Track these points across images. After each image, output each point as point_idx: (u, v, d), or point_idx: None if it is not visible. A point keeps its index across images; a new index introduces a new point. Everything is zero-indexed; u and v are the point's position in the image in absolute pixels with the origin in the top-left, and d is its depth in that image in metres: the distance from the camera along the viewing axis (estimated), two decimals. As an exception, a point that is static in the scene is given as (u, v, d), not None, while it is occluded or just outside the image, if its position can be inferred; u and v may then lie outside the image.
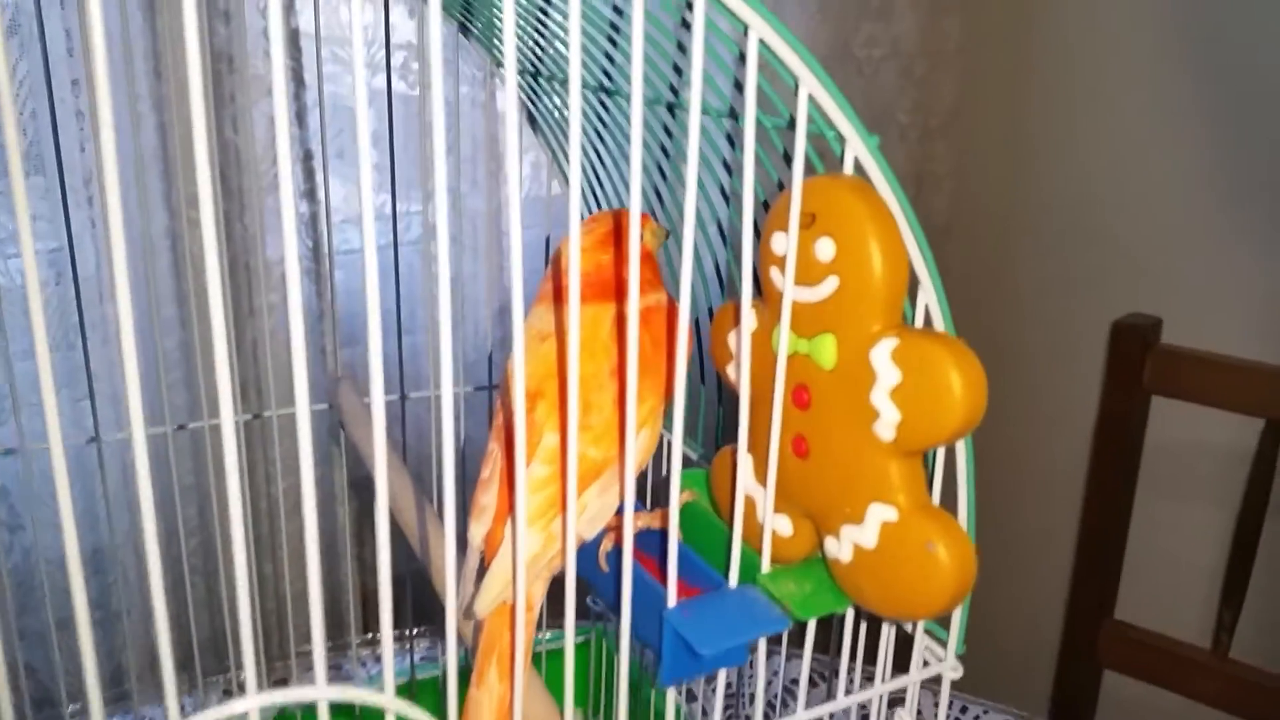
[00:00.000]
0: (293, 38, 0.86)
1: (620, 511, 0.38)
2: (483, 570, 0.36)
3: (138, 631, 0.88)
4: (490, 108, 0.93)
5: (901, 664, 0.40)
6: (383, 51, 0.87)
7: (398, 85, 0.95)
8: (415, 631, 0.70)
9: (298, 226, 0.88)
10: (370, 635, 0.76)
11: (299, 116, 0.88)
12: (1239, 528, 0.92)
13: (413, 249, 0.95)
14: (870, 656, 0.40)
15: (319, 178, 0.88)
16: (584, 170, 0.58)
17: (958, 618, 0.39)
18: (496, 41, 0.60)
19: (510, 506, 0.34)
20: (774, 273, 0.34)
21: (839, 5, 1.16)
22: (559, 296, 0.40)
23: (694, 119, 0.29)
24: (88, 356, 0.60)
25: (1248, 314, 1.07)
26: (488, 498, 0.37)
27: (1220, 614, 0.93)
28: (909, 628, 0.39)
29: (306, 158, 0.88)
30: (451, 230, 0.91)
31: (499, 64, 0.64)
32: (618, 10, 0.39)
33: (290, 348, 0.24)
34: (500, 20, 0.54)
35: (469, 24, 0.59)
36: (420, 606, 0.62)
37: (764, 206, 0.39)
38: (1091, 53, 1.18)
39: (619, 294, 0.39)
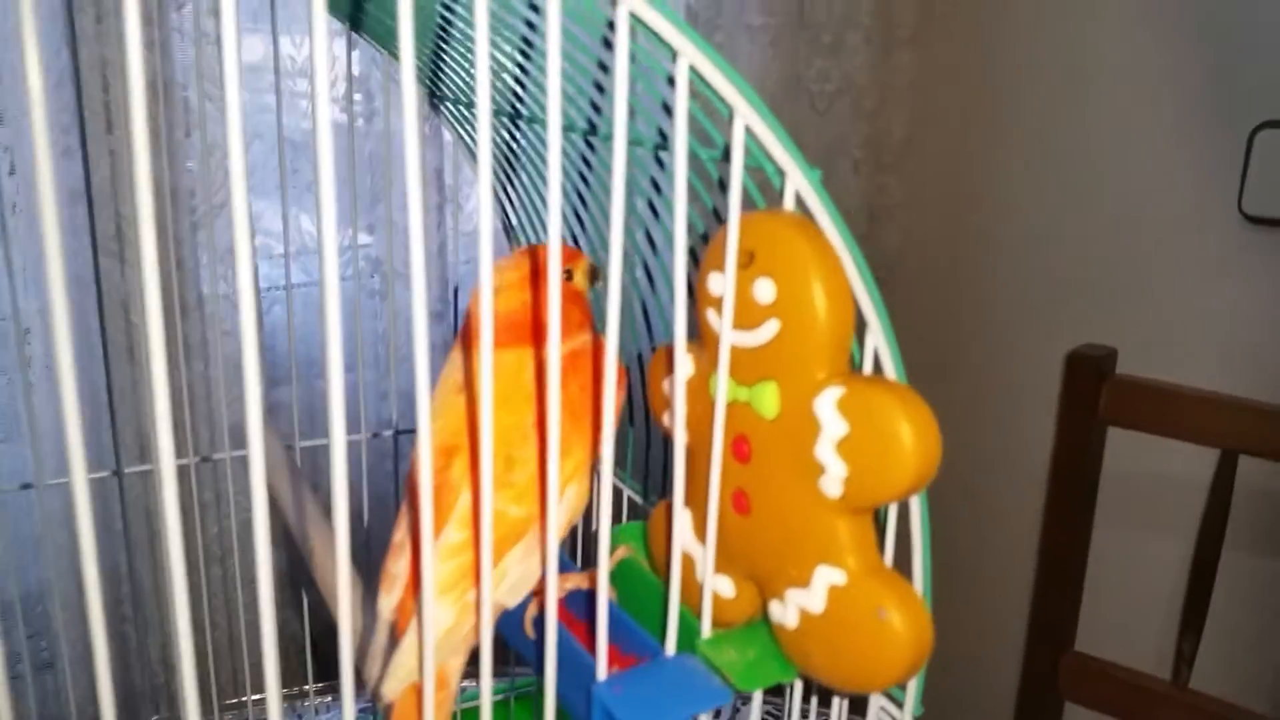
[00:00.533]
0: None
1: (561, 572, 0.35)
2: (393, 644, 0.33)
3: (77, 682, 0.84)
4: (435, 139, 0.91)
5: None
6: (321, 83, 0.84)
7: (337, 117, 0.93)
8: (319, 687, 0.66)
9: (221, 263, 0.84)
10: (299, 689, 0.72)
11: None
12: (1196, 558, 0.91)
13: (353, 283, 0.92)
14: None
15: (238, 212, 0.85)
16: (517, 204, 0.56)
17: (914, 680, 0.37)
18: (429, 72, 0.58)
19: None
20: (711, 315, 0.32)
21: (791, 40, 1.16)
22: (473, 342, 0.37)
23: (619, 146, 0.27)
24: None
25: (1203, 344, 1.08)
26: (398, 566, 0.34)
27: (1180, 645, 0.92)
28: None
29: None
30: (394, 264, 0.88)
31: (432, 95, 0.61)
32: (531, 26, 0.37)
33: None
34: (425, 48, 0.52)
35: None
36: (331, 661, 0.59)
37: (703, 240, 0.36)
38: (1042, 86, 1.19)
39: (542, 337, 0.36)
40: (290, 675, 0.86)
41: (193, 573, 0.85)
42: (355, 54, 0.95)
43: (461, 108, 0.48)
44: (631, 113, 0.36)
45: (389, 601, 0.34)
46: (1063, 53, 1.16)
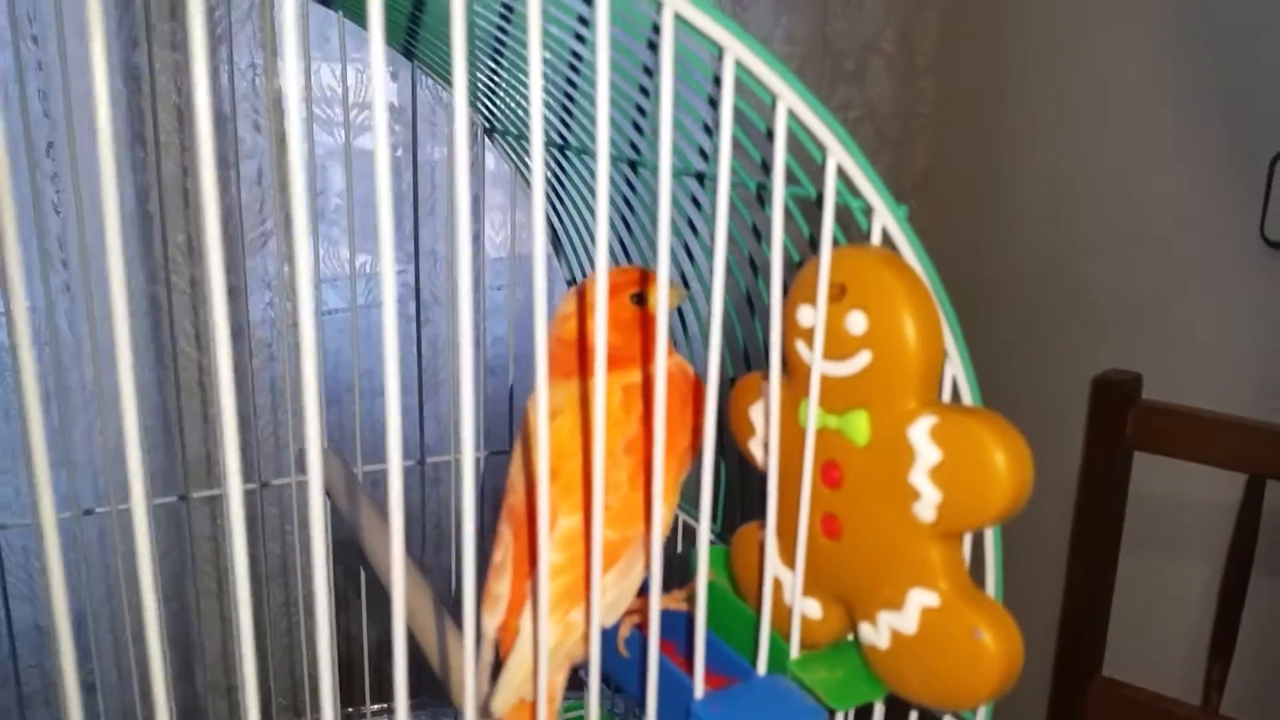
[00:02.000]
0: (276, 99, 0.85)
1: (640, 593, 0.36)
2: (498, 663, 0.34)
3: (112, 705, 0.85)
4: (478, 168, 0.92)
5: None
6: (365, 113, 0.86)
7: (369, 145, 0.94)
8: (375, 709, 0.67)
9: (275, 289, 0.86)
10: (351, 710, 0.72)
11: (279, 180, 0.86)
12: (1225, 583, 0.92)
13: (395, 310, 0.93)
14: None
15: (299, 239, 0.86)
16: (569, 230, 0.57)
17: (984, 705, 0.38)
18: (485, 102, 0.60)
19: (524, 595, 0.32)
20: (800, 345, 0.33)
21: (815, 68, 1.18)
22: (564, 369, 0.38)
23: (723, 187, 0.28)
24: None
25: (1227, 368, 1.08)
26: (500, 586, 0.35)
27: (1209, 670, 0.92)
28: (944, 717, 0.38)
29: (286, 221, 0.87)
30: (434, 291, 0.90)
31: (491, 128, 0.63)
32: (649, 71, 0.38)
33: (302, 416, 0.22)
34: (489, 81, 0.54)
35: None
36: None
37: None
38: (1062, 113, 1.21)
39: (628, 364, 0.37)
40: (357, 693, 0.87)
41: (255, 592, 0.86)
42: (394, 86, 0.97)
43: (512, 139, 0.50)
44: (708, 153, 0.38)
45: (493, 621, 0.35)
46: (1083, 80, 1.17)
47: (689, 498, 0.51)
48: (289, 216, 0.88)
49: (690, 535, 0.50)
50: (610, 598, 0.35)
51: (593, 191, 0.50)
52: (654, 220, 0.46)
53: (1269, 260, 1.04)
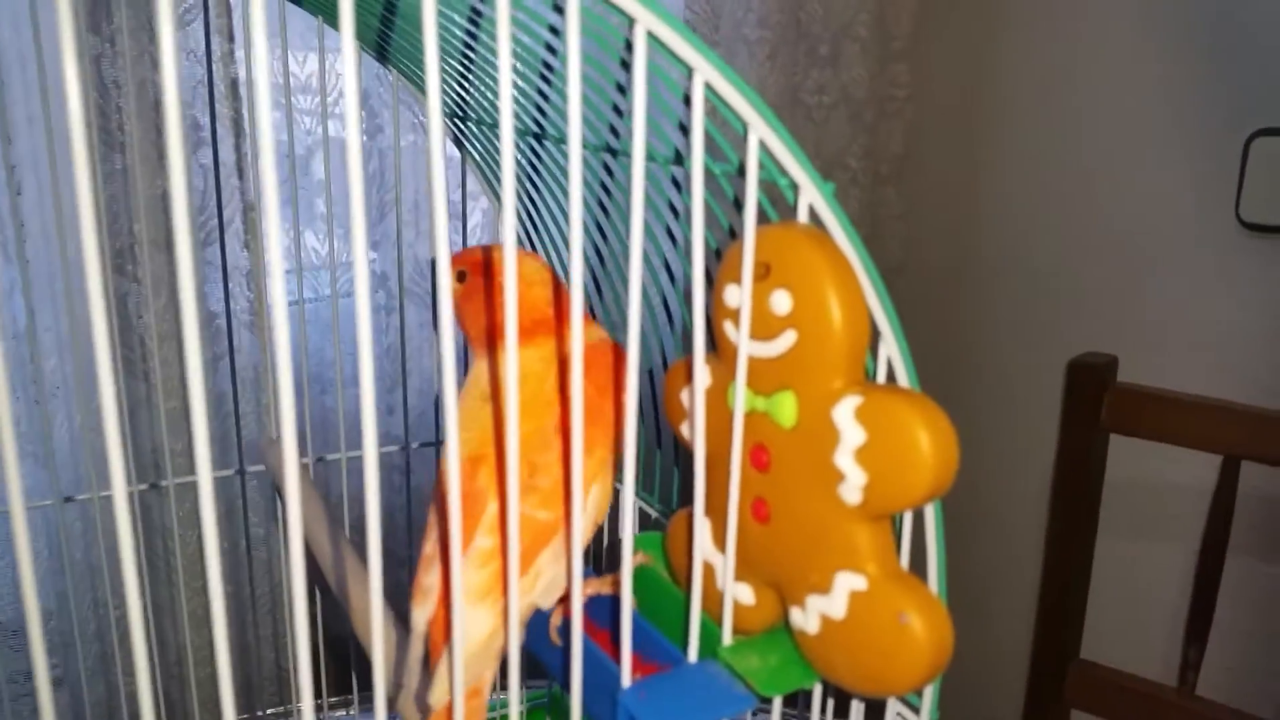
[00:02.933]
0: (232, 87, 0.84)
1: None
2: (429, 657, 0.33)
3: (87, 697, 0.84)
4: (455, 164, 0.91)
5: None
6: (329, 99, 0.85)
7: (339, 133, 0.93)
8: (333, 701, 0.66)
9: (233, 278, 0.85)
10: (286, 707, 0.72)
11: (238, 166, 0.85)
12: (1200, 564, 0.92)
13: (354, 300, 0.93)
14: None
15: (261, 229, 0.86)
16: (524, 218, 0.57)
17: (931, 685, 0.37)
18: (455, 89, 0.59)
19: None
20: (728, 326, 0.32)
21: (789, 53, 1.17)
22: (494, 344, 0.37)
23: (637, 162, 0.28)
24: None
25: (1202, 350, 1.08)
26: (430, 578, 0.34)
27: (1186, 652, 0.92)
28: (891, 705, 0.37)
29: (248, 209, 0.86)
30: (398, 279, 0.89)
31: (455, 115, 0.62)
32: (551, 50, 0.37)
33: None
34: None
35: (403, 67, 0.58)
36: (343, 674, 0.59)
37: (715, 255, 0.37)
38: (1038, 95, 1.20)
39: (555, 332, 0.37)
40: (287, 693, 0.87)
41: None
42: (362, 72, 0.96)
43: (484, 128, 0.49)
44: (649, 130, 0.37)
45: (423, 614, 0.34)
46: (1059, 62, 1.17)
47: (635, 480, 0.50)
48: (248, 203, 0.87)
49: (647, 524, 0.50)
50: (547, 578, 0.34)
51: (556, 180, 0.49)
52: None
53: (1244, 242, 1.03)
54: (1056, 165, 1.19)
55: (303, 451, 0.57)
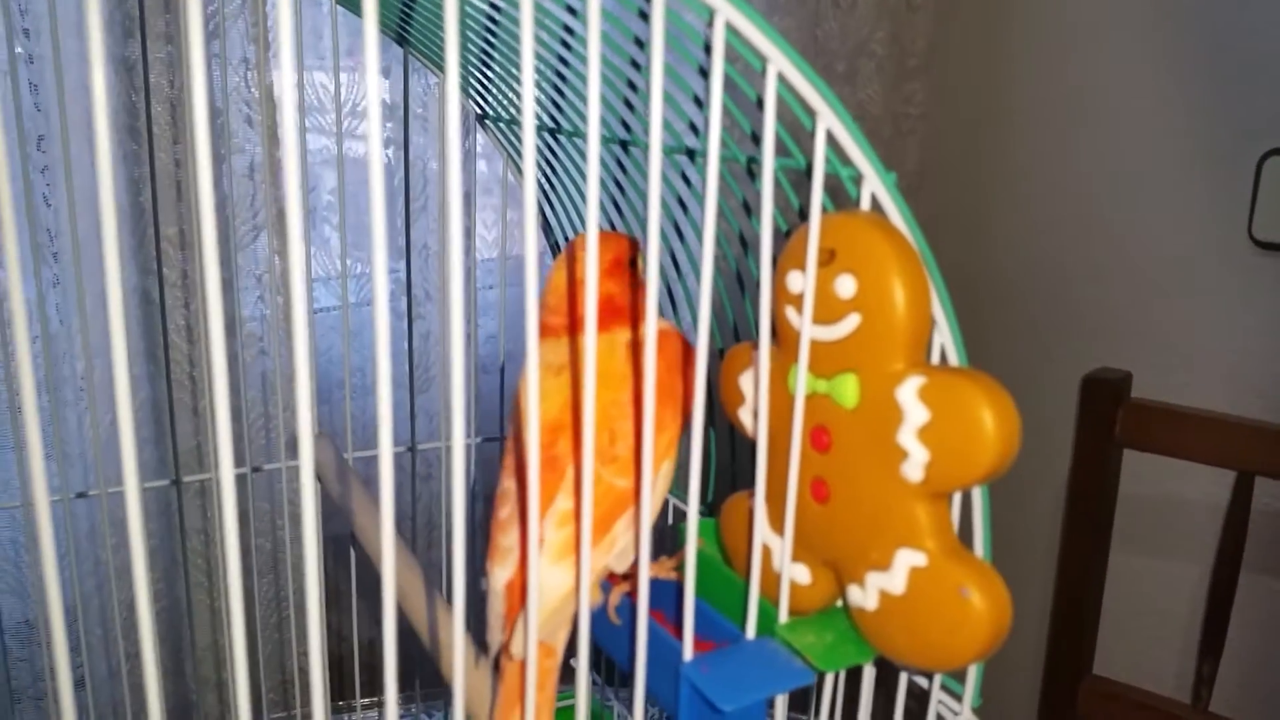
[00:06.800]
0: (268, 94, 0.85)
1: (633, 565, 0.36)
2: (509, 614, 0.34)
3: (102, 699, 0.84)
4: (468, 164, 0.93)
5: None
6: (358, 121, 0.86)
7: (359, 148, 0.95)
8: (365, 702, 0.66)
9: (267, 284, 0.86)
10: (342, 703, 0.72)
11: (271, 175, 0.86)
12: (1215, 580, 0.92)
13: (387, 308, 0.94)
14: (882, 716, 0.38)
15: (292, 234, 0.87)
16: (559, 212, 0.58)
17: (974, 669, 0.38)
18: (477, 90, 0.60)
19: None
20: (789, 311, 0.33)
21: (806, 69, 1.18)
22: (558, 328, 0.38)
23: (712, 160, 0.29)
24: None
25: (1216, 367, 1.09)
26: (509, 539, 0.35)
27: (1199, 667, 0.92)
28: (923, 683, 0.38)
29: (279, 216, 0.87)
30: (426, 288, 0.90)
31: (482, 115, 0.63)
32: (635, 65, 0.39)
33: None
34: (487, 70, 0.54)
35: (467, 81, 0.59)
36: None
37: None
38: (1052, 114, 1.22)
39: (629, 321, 0.38)
40: (348, 688, 0.87)
41: (245, 581, 0.86)
42: (386, 83, 0.97)
43: (504, 125, 0.50)
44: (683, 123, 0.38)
45: (504, 574, 0.35)
46: (1072, 81, 1.18)
47: (679, 480, 0.51)
48: (281, 210, 0.89)
49: (681, 516, 0.50)
50: (623, 544, 0.35)
51: (584, 175, 0.51)
52: (644, 199, 0.47)
53: (1257, 260, 1.04)
54: (1070, 183, 1.20)
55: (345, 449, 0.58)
